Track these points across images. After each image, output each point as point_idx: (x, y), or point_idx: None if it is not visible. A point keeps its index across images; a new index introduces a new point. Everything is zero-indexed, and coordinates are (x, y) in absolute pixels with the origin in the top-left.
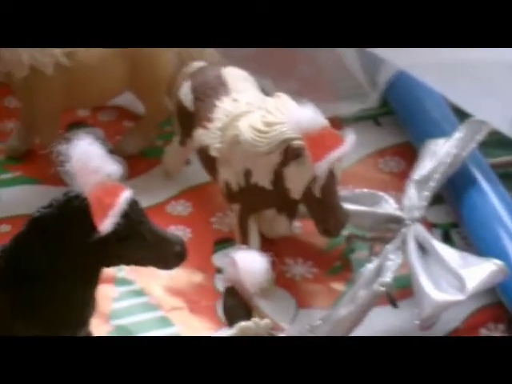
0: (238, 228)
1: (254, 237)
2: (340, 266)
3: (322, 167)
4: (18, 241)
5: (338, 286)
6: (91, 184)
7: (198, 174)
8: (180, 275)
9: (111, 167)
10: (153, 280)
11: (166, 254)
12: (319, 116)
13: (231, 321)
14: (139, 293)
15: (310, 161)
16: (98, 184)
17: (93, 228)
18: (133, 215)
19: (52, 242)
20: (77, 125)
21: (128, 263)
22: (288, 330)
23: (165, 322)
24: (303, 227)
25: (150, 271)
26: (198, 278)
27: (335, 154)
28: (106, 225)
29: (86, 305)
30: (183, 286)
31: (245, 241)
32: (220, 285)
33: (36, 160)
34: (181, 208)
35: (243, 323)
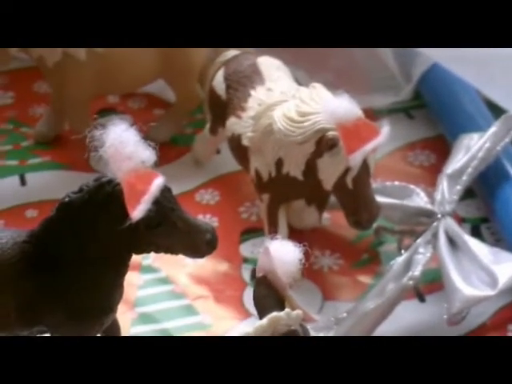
0: (267, 218)
1: (282, 227)
2: (367, 259)
3: (356, 159)
4: (46, 226)
5: (364, 279)
6: (124, 170)
7: (227, 162)
8: (206, 264)
9: (145, 154)
10: (178, 268)
11: (197, 242)
12: (354, 107)
13: (262, 311)
14: (164, 281)
15: (344, 152)
16: (131, 170)
17: (124, 214)
18: (165, 202)
19: (82, 227)
20: (107, 111)
21: (158, 250)
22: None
23: (190, 310)
24: (332, 219)
25: (176, 259)
26: (224, 267)
27: (370, 146)
28: (138, 211)
29: (113, 292)
30: (209, 274)
31: (273, 231)
32: (246, 275)
33: (65, 145)
34: (209, 197)
35: (274, 314)
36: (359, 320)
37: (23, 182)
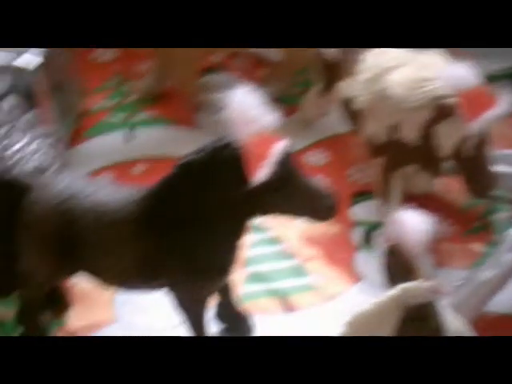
0: (380, 182)
1: (395, 192)
2: (480, 227)
3: (475, 127)
4: (165, 184)
5: (477, 247)
6: (248, 133)
7: (336, 124)
8: (316, 226)
9: (269, 117)
10: (288, 229)
11: (317, 207)
12: (473, 73)
13: (392, 280)
14: (274, 241)
15: (462, 119)
16: (254, 133)
17: (245, 177)
18: (286, 166)
19: (201, 188)
20: (212, 70)
21: (277, 214)
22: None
23: (300, 271)
24: (444, 184)
25: (286, 220)
26: (334, 229)
27: (490, 114)
28: (261, 174)
29: (230, 253)
30: (319, 236)
31: (386, 195)
32: (357, 238)
33: (170, 101)
34: (318, 158)
35: (406, 284)
36: (475, 290)
37: (129, 137)
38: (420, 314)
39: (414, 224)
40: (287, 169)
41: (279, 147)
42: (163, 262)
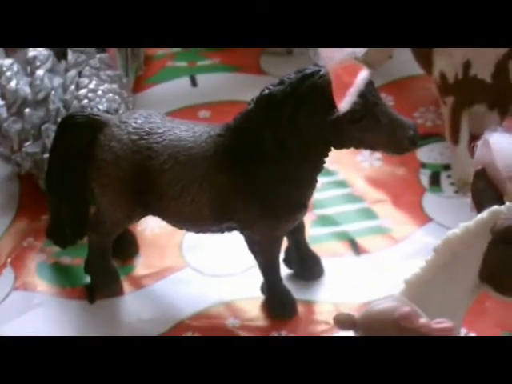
0: (449, 121)
1: (464, 131)
2: None
3: None
4: (243, 119)
5: None
6: (335, 60)
7: (400, 67)
8: (383, 168)
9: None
10: (355, 172)
11: (399, 138)
12: None
13: (481, 204)
14: (342, 184)
15: None
16: (340, 61)
17: (328, 107)
18: (369, 96)
19: (282, 120)
20: None
21: (359, 145)
22: None
23: (369, 213)
24: (510, 126)
25: (352, 163)
26: (401, 171)
27: None
28: (345, 103)
29: (309, 187)
30: (386, 179)
31: (455, 134)
32: (425, 180)
33: (234, 48)
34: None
35: (495, 207)
36: None
37: (194, 83)
38: (509, 236)
39: (503, 145)
40: (370, 99)
41: (362, 77)
42: (240, 200)
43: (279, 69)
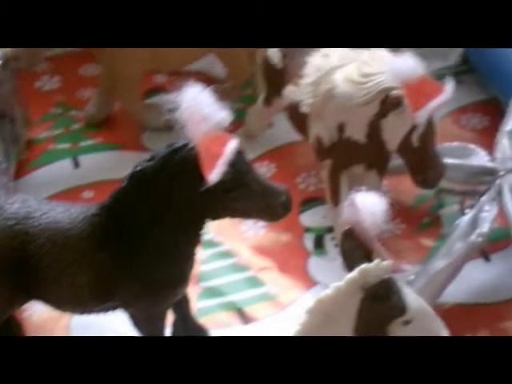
0: (329, 185)
1: (344, 193)
2: (429, 222)
3: (421, 116)
4: (118, 197)
5: (428, 242)
6: (201, 132)
7: (280, 135)
8: (267, 235)
9: (221, 115)
10: (240, 241)
11: (272, 205)
12: (418, 64)
13: (350, 264)
14: (227, 254)
15: (409, 110)
16: (207, 132)
17: (199, 179)
18: (239, 165)
19: (155, 196)
20: (154, 91)
21: (233, 215)
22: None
23: (255, 282)
24: (389, 184)
25: (236, 233)
26: (285, 237)
27: (435, 102)
28: (215, 174)
29: (188, 261)
30: (271, 246)
31: (335, 197)
32: (309, 244)
33: (115, 126)
34: (265, 169)
35: (364, 265)
36: (429, 281)
37: (76, 164)
38: (381, 292)
39: (368, 205)
40: (240, 168)
41: (232, 146)
42: (120, 279)
43: (161, 144)
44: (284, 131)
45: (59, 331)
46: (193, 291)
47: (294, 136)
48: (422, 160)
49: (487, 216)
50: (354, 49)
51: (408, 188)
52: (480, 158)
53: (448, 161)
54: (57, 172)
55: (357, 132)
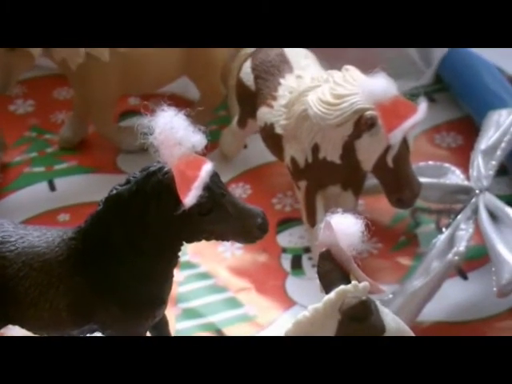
0: (305, 205)
1: (320, 214)
2: (405, 241)
3: (396, 136)
4: (94, 221)
5: (405, 261)
6: (176, 156)
7: (255, 156)
8: (245, 257)
9: (195, 138)
10: (218, 263)
11: (248, 227)
12: (391, 85)
13: (328, 286)
14: (205, 275)
15: (383, 130)
16: (181, 156)
17: (175, 202)
18: (215, 188)
19: (131, 219)
20: (128, 114)
21: (210, 237)
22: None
23: (233, 302)
24: (365, 204)
25: (214, 254)
26: (263, 258)
27: (410, 123)
28: (190, 198)
29: (165, 283)
30: (249, 267)
31: (311, 218)
32: (286, 264)
33: (90, 149)
34: (241, 190)
35: (342, 287)
36: (407, 300)
37: (52, 187)
38: (358, 314)
39: (344, 227)
40: (216, 191)
41: (207, 169)
42: (97, 302)
43: (136, 166)
44: (259, 152)
45: None
46: (171, 313)
47: (268, 157)
48: (397, 180)
49: (463, 235)
50: (327, 70)
51: (384, 207)
52: (455, 176)
53: (423, 180)
54: (32, 195)
55: (331, 153)
